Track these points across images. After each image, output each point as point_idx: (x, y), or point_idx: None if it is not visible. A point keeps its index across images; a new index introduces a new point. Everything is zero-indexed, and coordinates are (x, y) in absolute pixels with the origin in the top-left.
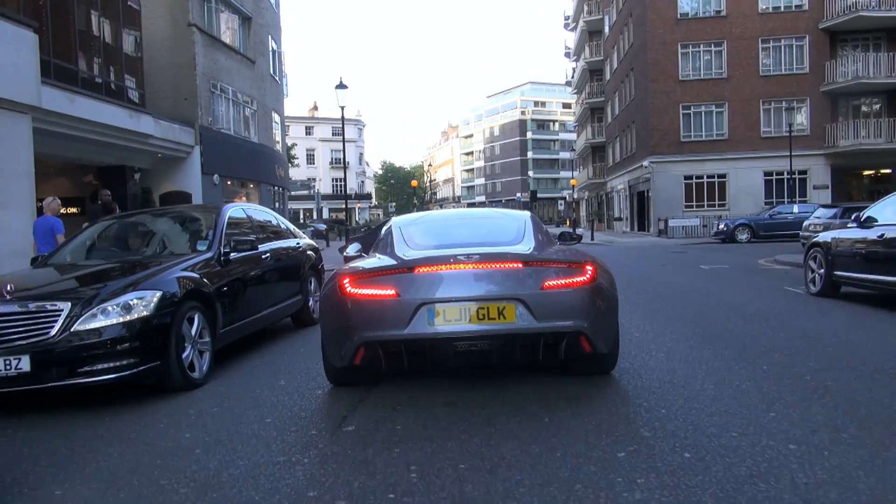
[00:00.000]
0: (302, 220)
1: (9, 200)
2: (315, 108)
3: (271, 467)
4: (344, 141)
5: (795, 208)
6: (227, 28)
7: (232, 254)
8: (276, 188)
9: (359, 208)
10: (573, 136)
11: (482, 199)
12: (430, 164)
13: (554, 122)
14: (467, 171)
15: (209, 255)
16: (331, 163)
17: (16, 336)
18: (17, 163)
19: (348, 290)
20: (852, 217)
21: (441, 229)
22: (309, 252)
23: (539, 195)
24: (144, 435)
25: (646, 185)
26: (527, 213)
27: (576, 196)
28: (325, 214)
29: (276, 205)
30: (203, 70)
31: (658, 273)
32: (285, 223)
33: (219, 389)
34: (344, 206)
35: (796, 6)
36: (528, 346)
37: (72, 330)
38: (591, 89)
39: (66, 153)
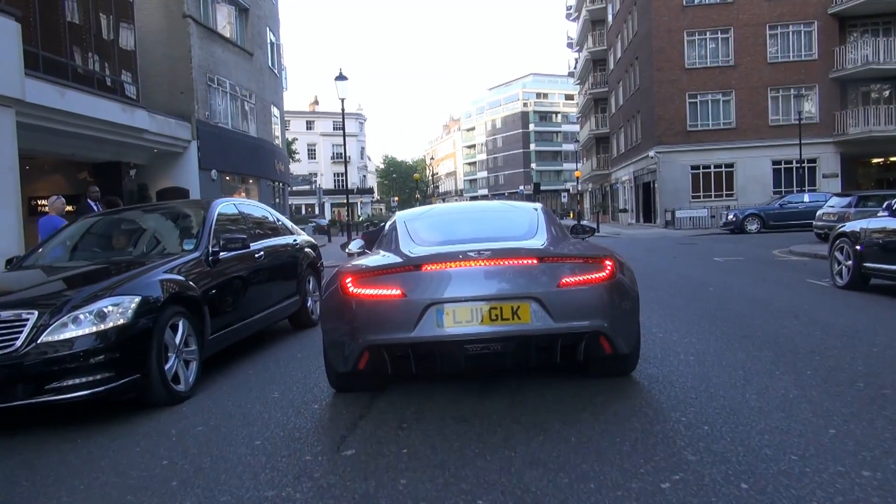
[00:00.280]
0: (304, 214)
1: None
2: (315, 102)
3: None
4: (344, 135)
5: (806, 197)
6: (224, 19)
7: (221, 253)
8: (276, 183)
9: (361, 203)
10: (576, 127)
11: (485, 192)
12: (432, 158)
13: (557, 113)
14: (469, 164)
15: (196, 254)
16: (332, 157)
17: None
18: (1, 158)
19: (351, 290)
20: (884, 206)
21: (449, 224)
22: (307, 249)
23: (542, 188)
24: (117, 462)
25: (652, 175)
26: (538, 205)
27: (579, 188)
28: (328, 209)
29: (277, 200)
30: (199, 63)
31: (671, 266)
32: (281, 219)
33: (206, 403)
34: (346, 200)
35: None
36: (544, 347)
37: (39, 341)
38: (595, 80)
39: (58, 149)
